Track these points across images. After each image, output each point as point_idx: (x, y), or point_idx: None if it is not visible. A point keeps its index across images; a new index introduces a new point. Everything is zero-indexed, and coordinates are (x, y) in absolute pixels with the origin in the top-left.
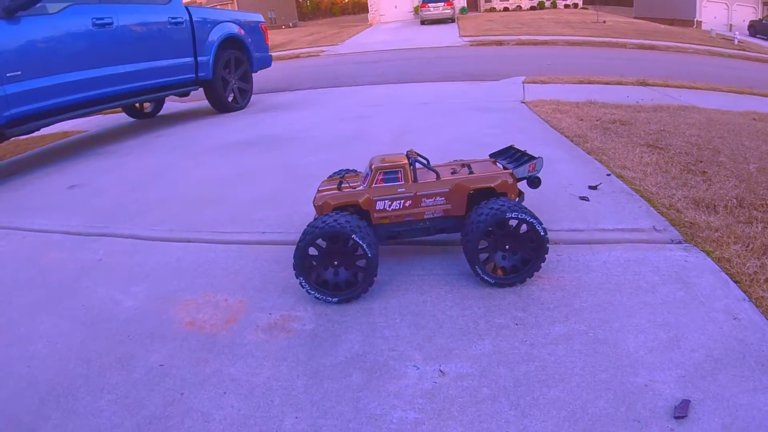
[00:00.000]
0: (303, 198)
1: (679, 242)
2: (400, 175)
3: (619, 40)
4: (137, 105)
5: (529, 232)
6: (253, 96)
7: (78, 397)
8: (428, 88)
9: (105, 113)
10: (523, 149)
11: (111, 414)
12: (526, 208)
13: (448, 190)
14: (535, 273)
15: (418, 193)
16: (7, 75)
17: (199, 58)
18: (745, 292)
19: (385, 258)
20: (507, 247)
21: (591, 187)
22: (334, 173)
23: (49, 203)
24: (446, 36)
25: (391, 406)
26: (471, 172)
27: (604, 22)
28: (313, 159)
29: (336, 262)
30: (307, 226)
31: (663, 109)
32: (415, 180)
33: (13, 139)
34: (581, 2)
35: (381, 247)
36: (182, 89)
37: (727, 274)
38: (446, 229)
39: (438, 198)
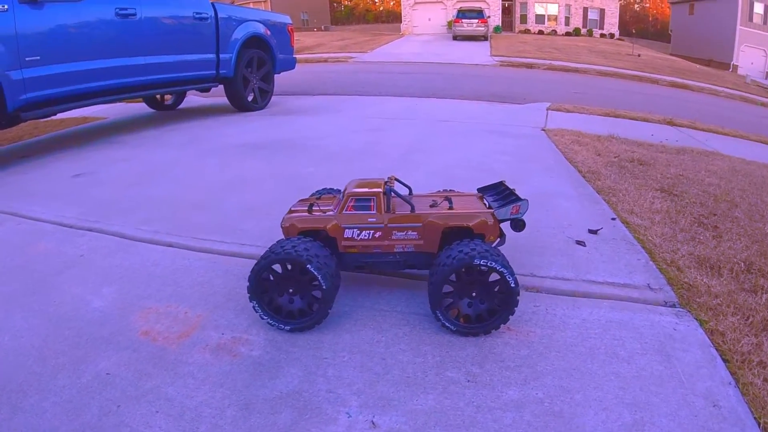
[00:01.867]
0: None
1: (673, 305)
2: (372, 204)
3: (652, 75)
4: (158, 97)
5: (499, 281)
6: (274, 97)
7: (27, 395)
8: (450, 105)
9: (126, 102)
10: (512, 188)
11: (52, 416)
12: (499, 255)
13: (421, 225)
14: (504, 324)
15: (389, 225)
16: (26, 59)
17: (221, 56)
18: (733, 374)
19: (351, 286)
20: (474, 294)
21: (591, 231)
22: (314, 192)
23: (51, 191)
24: (477, 53)
25: None
26: (451, 207)
27: (639, 55)
28: (316, 170)
29: (291, 290)
30: (267, 249)
31: (686, 152)
32: (388, 210)
33: (30, 121)
34: (618, 33)
35: (349, 274)
36: (202, 85)
37: (717, 350)
38: (417, 265)
39: (410, 232)
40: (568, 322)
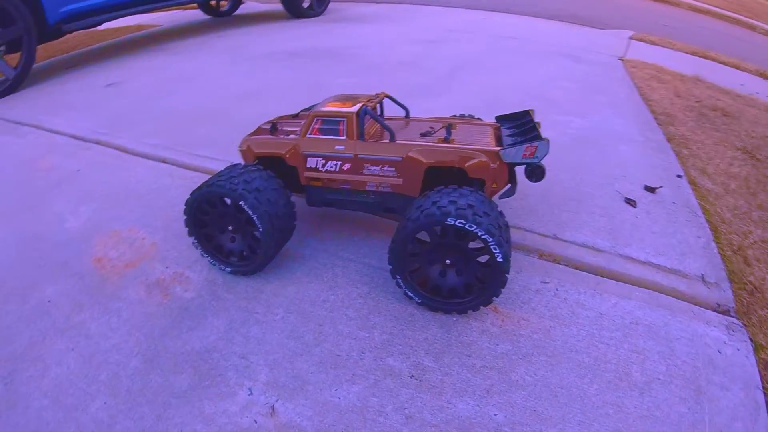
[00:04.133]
0: None
1: (727, 312)
2: (341, 128)
3: (752, 21)
4: (213, 3)
5: (483, 250)
6: (333, 4)
7: None
8: (522, 22)
9: (185, 8)
10: (537, 120)
11: None
12: (489, 214)
13: (400, 159)
14: (486, 306)
15: (359, 156)
16: None
17: None
18: None
19: (324, 222)
20: (448, 262)
21: (647, 189)
22: (303, 109)
23: (79, 102)
24: None
25: (191, 429)
26: (447, 139)
27: None
28: (348, 81)
29: (231, 228)
30: (213, 175)
31: None
32: (361, 138)
33: (83, 31)
34: None
35: (320, 209)
36: None
37: (767, 396)
38: (396, 210)
39: (386, 167)
40: (579, 315)
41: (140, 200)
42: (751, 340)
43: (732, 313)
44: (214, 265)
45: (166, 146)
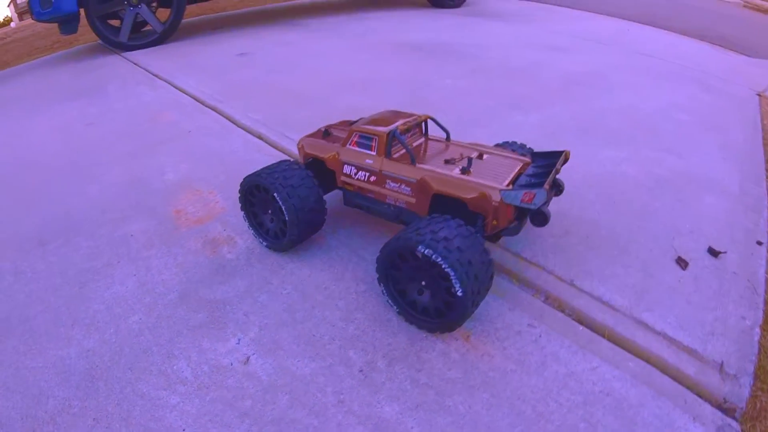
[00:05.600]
0: None
1: (730, 412)
2: (373, 144)
3: None
4: None
5: (447, 281)
6: None
7: (78, 234)
8: (665, 37)
9: None
10: (560, 165)
11: (80, 255)
12: (462, 250)
13: (415, 181)
14: (449, 332)
15: (383, 172)
16: None
17: None
18: None
19: (355, 222)
20: (423, 283)
21: (711, 251)
22: (354, 121)
23: (211, 66)
24: None
25: (190, 361)
26: (464, 169)
27: None
28: (454, 83)
29: (270, 211)
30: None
31: None
32: (388, 155)
33: None
34: None
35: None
36: None
37: None
38: (407, 223)
39: (404, 186)
40: (548, 367)
41: (226, 168)
42: None
43: (735, 415)
44: (256, 237)
45: (264, 122)
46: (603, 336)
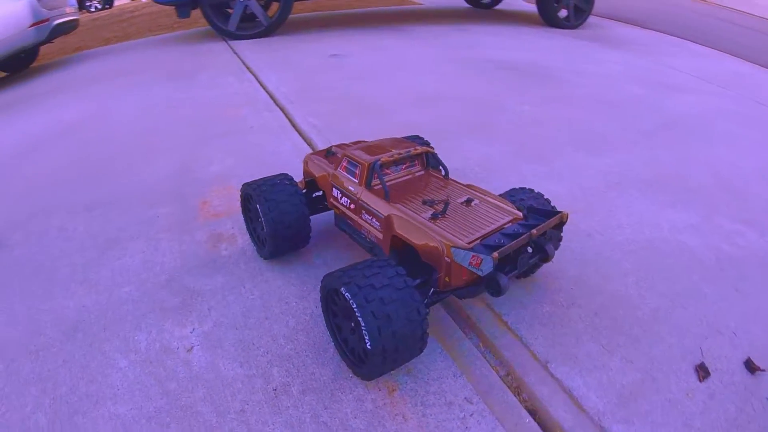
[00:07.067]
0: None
1: None
2: (357, 172)
3: None
4: None
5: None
6: (598, 20)
7: (113, 206)
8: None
9: None
10: (549, 228)
11: (94, 226)
12: (388, 301)
13: (383, 216)
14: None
15: (360, 202)
16: None
17: None
18: None
19: (348, 247)
20: (352, 325)
21: (748, 366)
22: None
23: (300, 64)
24: None
25: (149, 336)
26: (435, 215)
27: None
28: (530, 110)
29: (259, 219)
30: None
31: None
32: (368, 187)
33: None
34: None
35: None
36: None
37: None
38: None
39: (374, 220)
40: None
41: (266, 168)
42: None
43: None
44: (252, 241)
45: (319, 129)
46: None
